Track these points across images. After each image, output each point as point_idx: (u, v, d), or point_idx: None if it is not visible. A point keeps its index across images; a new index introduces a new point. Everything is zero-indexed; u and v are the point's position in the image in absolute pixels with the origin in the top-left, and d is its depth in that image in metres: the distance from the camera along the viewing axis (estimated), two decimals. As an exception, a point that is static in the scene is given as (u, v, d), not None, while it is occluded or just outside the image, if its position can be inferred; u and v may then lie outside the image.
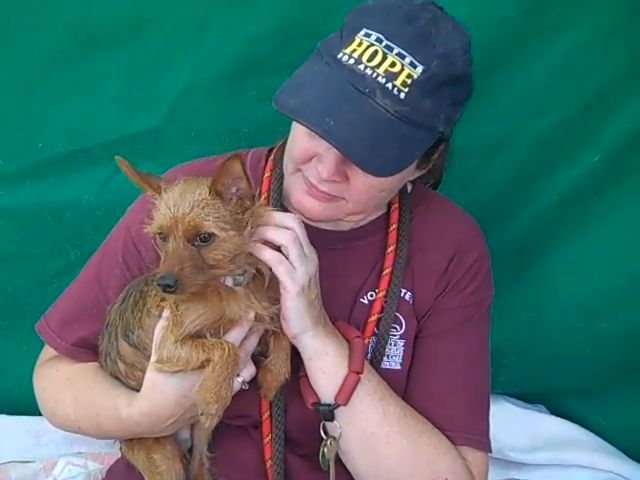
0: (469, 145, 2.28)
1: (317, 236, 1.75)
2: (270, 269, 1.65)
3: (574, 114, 2.37)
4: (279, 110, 1.62)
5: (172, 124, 2.36)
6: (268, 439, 1.85)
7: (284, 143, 1.92)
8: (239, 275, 1.65)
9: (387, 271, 1.89)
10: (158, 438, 1.81)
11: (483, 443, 1.88)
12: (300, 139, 1.72)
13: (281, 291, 1.66)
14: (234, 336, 1.65)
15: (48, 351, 2.03)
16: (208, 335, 1.63)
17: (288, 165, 1.78)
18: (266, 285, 1.68)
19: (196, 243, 1.55)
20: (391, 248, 1.90)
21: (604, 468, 2.55)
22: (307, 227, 1.70)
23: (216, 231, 1.55)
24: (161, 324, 1.67)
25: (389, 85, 1.60)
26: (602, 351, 2.59)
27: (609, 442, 2.64)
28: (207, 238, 1.55)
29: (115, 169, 2.24)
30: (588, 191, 2.46)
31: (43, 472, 2.45)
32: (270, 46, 2.29)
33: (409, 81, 1.61)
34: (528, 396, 2.74)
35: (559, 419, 2.67)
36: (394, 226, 1.92)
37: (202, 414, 1.60)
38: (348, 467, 1.83)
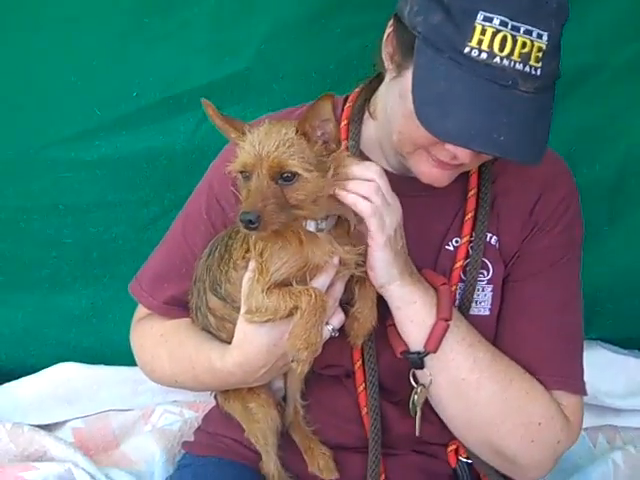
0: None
1: (399, 184, 1.72)
2: (354, 215, 1.64)
3: None
4: (440, 138, 1.58)
5: (260, 65, 2.38)
6: (362, 387, 1.86)
7: (362, 90, 1.91)
8: (321, 220, 1.65)
9: (469, 216, 1.86)
10: (252, 388, 1.85)
11: (577, 386, 1.85)
12: None
13: (368, 242, 1.65)
14: (320, 282, 1.65)
15: (142, 309, 2.09)
16: (294, 283, 1.64)
17: (405, 145, 1.72)
18: (351, 231, 1.67)
19: (279, 182, 1.55)
20: (472, 192, 1.87)
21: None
22: (389, 175, 1.67)
23: (300, 170, 1.54)
24: (247, 275, 1.69)
25: (527, 69, 1.55)
26: None
27: None
28: (290, 177, 1.55)
29: (205, 115, 2.36)
30: None
31: (142, 419, 2.55)
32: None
33: (540, 55, 1.55)
34: (623, 341, 2.67)
35: None
36: (474, 170, 1.87)
37: (293, 361, 1.61)
38: (439, 413, 1.83)
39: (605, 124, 2.42)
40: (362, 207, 1.61)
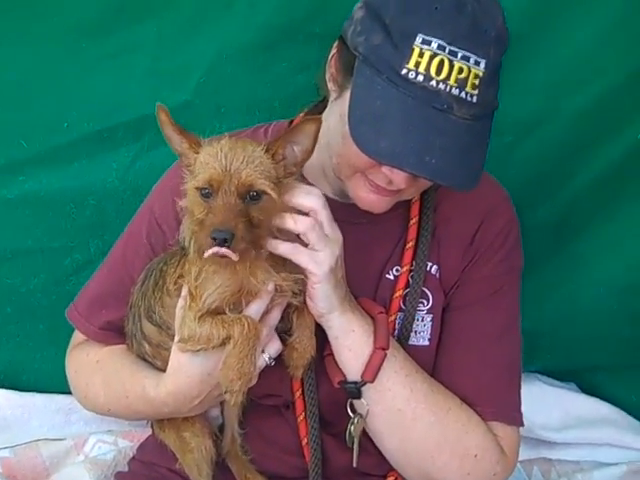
0: (504, 121, 2.14)
1: (341, 210, 1.71)
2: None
3: (618, 86, 2.27)
4: (372, 157, 1.58)
5: (201, 98, 2.29)
6: (302, 417, 1.84)
7: (306, 114, 1.90)
8: None
9: (410, 244, 1.85)
10: (187, 417, 1.81)
11: (514, 417, 1.85)
12: None
13: (307, 275, 1.63)
14: (254, 309, 1.62)
15: (78, 335, 2.04)
16: (227, 310, 1.61)
17: (343, 169, 1.72)
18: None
19: (246, 201, 1.52)
20: (413, 220, 1.87)
21: (636, 447, 2.51)
22: (330, 201, 1.66)
23: (269, 190, 1.52)
24: (180, 303, 1.66)
25: (462, 94, 1.55)
26: (637, 330, 2.53)
27: (640, 421, 2.58)
28: (257, 196, 1.52)
29: (141, 149, 2.31)
30: (627, 169, 2.38)
31: (74, 449, 2.46)
32: (303, 13, 2.21)
33: (477, 82, 1.56)
34: (559, 374, 2.70)
35: (590, 397, 2.63)
36: (416, 197, 1.87)
37: (226, 392, 1.58)
38: (377, 444, 1.82)
39: (555, 167, 2.43)
40: (283, 249, 1.59)
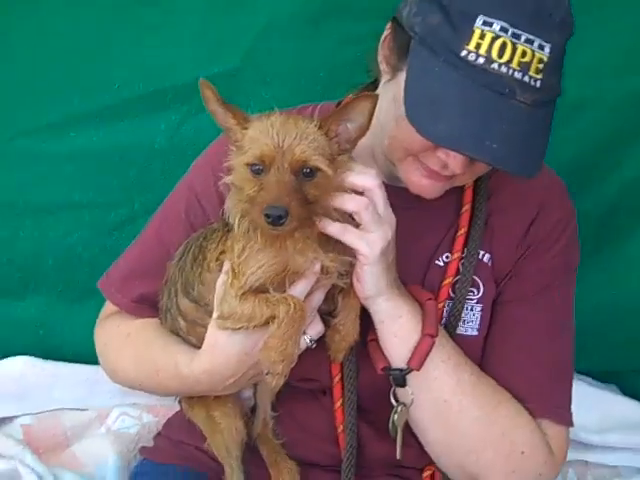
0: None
1: (393, 194, 1.63)
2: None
3: None
4: (430, 139, 1.51)
5: (249, 66, 2.30)
6: (339, 404, 1.79)
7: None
8: None
9: (462, 231, 1.79)
10: (218, 396, 1.75)
11: (564, 416, 1.77)
12: None
13: (357, 255, 1.56)
14: (299, 289, 1.56)
15: (109, 307, 2.00)
16: (271, 289, 1.54)
17: (396, 151, 1.66)
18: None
19: (299, 177, 1.47)
20: (466, 207, 1.80)
21: (678, 453, 2.41)
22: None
23: (323, 166, 1.47)
24: (222, 279, 1.59)
25: (526, 78, 1.48)
26: None
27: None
28: (311, 173, 1.47)
29: (189, 112, 2.33)
30: None
31: (97, 421, 2.43)
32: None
33: (541, 66, 1.49)
34: (600, 374, 2.63)
35: (632, 400, 2.56)
36: (469, 184, 1.80)
37: (267, 373, 1.52)
38: (418, 435, 1.75)
39: (599, 157, 2.38)
40: (332, 230, 1.54)
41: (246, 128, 1.51)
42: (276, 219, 1.41)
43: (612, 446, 2.46)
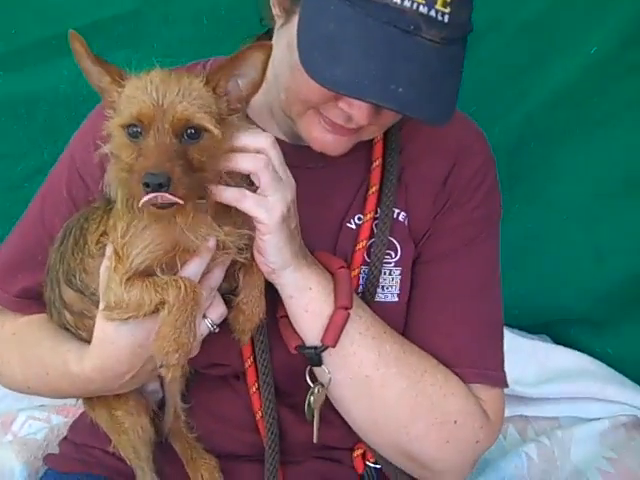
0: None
1: (292, 154, 1.49)
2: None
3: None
4: (326, 86, 1.36)
5: (149, 7, 2.25)
6: (255, 389, 1.65)
7: None
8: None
9: (373, 189, 1.65)
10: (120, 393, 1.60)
11: (497, 378, 1.67)
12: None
13: (255, 225, 1.41)
14: (192, 270, 1.40)
15: None
16: (159, 272, 1.38)
17: (294, 105, 1.52)
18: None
19: (183, 140, 1.30)
20: (377, 163, 1.67)
21: (618, 400, 2.35)
22: (280, 144, 1.45)
23: (210, 126, 1.31)
24: (105, 264, 1.42)
25: (432, 13, 1.35)
26: (606, 267, 2.42)
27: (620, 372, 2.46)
28: (195, 134, 1.31)
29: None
30: (584, 90, 2.27)
31: (1, 428, 2.26)
32: None
33: None
34: (530, 327, 2.58)
35: (567, 349, 2.50)
36: (379, 137, 1.67)
37: (161, 366, 1.37)
38: (343, 415, 1.63)
39: (504, 84, 2.31)
40: (227, 195, 1.39)
41: (123, 86, 1.34)
42: (156, 188, 1.24)
43: (550, 397, 2.39)
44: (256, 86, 1.37)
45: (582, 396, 2.37)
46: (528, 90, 2.31)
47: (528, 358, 2.43)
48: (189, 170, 1.29)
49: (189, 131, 1.31)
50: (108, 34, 2.23)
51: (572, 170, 2.39)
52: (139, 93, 1.30)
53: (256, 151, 1.39)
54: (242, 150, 1.39)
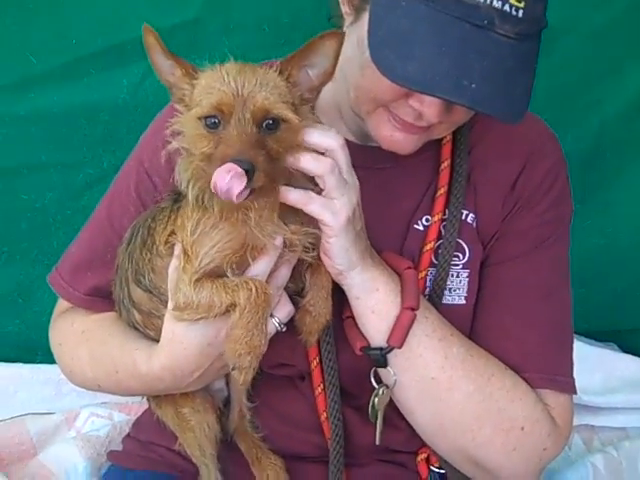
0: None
1: (360, 154, 1.48)
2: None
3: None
4: (398, 82, 1.35)
5: (210, 15, 2.26)
6: (320, 390, 1.64)
7: None
8: None
9: (442, 191, 1.63)
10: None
11: (566, 384, 1.63)
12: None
13: (321, 227, 1.40)
14: (260, 268, 1.40)
15: (63, 303, 1.84)
16: (229, 271, 1.37)
17: (364, 103, 1.51)
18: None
19: (262, 130, 1.30)
20: (445, 164, 1.64)
21: (687, 410, 2.29)
22: (348, 144, 1.43)
23: (289, 115, 1.31)
24: (174, 264, 1.43)
25: (506, 7, 1.33)
26: None
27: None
28: (274, 124, 1.31)
29: (151, 66, 2.25)
30: None
31: (65, 424, 2.30)
32: None
33: None
34: (598, 334, 2.52)
35: (634, 357, 2.45)
36: (448, 137, 1.64)
37: (234, 368, 1.36)
38: (407, 418, 1.61)
39: (579, 91, 2.27)
40: (293, 198, 1.38)
41: (196, 79, 1.34)
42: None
43: (617, 407, 2.35)
44: (328, 75, 1.37)
45: (651, 406, 2.32)
46: (603, 98, 2.27)
47: (595, 367, 2.38)
48: (270, 161, 1.29)
49: (268, 121, 1.30)
50: (168, 43, 2.17)
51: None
52: (217, 84, 1.31)
53: (326, 150, 1.38)
54: (313, 147, 1.38)
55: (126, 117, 2.29)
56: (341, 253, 1.42)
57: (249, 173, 1.23)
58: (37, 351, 2.35)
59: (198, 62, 2.18)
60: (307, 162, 1.37)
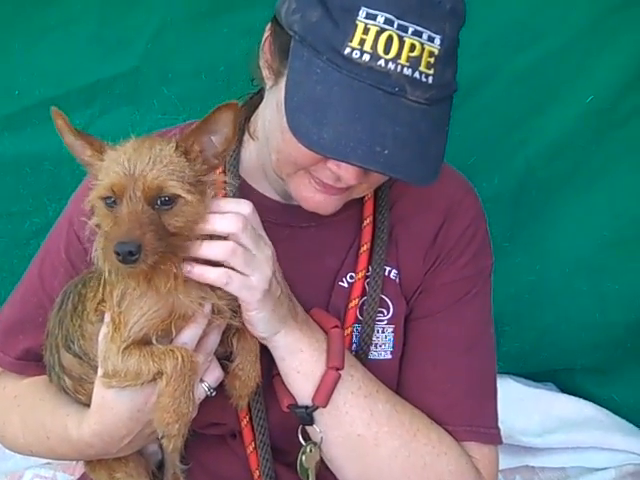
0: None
1: (285, 213, 1.53)
2: None
3: (562, 46, 2.19)
4: (313, 149, 1.39)
5: (148, 64, 2.30)
6: (252, 448, 1.65)
7: (242, 108, 1.68)
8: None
9: (365, 248, 1.67)
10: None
11: (490, 435, 1.66)
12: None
13: (240, 302, 1.43)
14: (188, 336, 1.42)
15: None
16: (154, 339, 1.40)
17: (285, 166, 1.53)
18: None
19: (156, 207, 1.33)
20: (367, 221, 1.68)
21: (624, 449, 2.35)
22: (273, 203, 1.49)
23: (182, 192, 1.33)
24: (103, 331, 1.45)
25: (416, 74, 1.38)
26: (610, 315, 2.41)
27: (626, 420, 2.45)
28: (169, 201, 1.33)
29: (93, 115, 2.35)
30: (583, 137, 2.29)
31: None
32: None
33: (432, 60, 1.38)
34: (535, 375, 2.57)
35: (572, 397, 2.50)
36: (370, 194, 1.68)
37: (163, 437, 1.39)
38: (336, 475, 1.62)
39: (503, 134, 2.33)
40: (213, 277, 1.38)
41: (103, 159, 1.37)
42: (127, 256, 1.27)
43: (556, 447, 2.39)
44: (229, 142, 1.39)
45: (588, 445, 2.37)
46: (527, 139, 2.33)
47: (533, 407, 2.42)
48: (164, 235, 1.32)
49: (162, 198, 1.33)
50: (109, 92, 2.29)
51: (572, 219, 2.39)
52: (113, 164, 1.34)
53: (226, 235, 1.39)
54: (212, 233, 1.39)
55: (69, 166, 2.18)
56: (262, 323, 1.46)
57: (134, 254, 1.26)
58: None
59: (138, 111, 2.26)
60: (207, 249, 1.37)
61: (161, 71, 2.30)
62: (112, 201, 1.33)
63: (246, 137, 1.71)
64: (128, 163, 1.32)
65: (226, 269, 1.38)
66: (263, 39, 1.56)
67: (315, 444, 1.56)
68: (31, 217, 2.40)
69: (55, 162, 2.34)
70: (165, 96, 2.30)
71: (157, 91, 2.30)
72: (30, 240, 2.39)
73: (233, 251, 1.38)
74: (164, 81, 2.30)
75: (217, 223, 1.38)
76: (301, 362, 1.52)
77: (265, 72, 1.56)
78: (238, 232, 1.38)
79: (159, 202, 1.33)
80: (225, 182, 1.50)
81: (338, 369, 1.51)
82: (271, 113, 1.52)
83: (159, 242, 1.30)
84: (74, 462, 2.23)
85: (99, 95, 2.27)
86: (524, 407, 2.36)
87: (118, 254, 1.27)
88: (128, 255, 1.26)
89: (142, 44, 2.26)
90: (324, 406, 1.51)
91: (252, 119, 1.71)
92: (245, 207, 1.41)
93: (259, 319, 1.44)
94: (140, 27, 2.25)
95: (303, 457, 1.57)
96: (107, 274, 1.40)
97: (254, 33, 1.77)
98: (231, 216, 1.39)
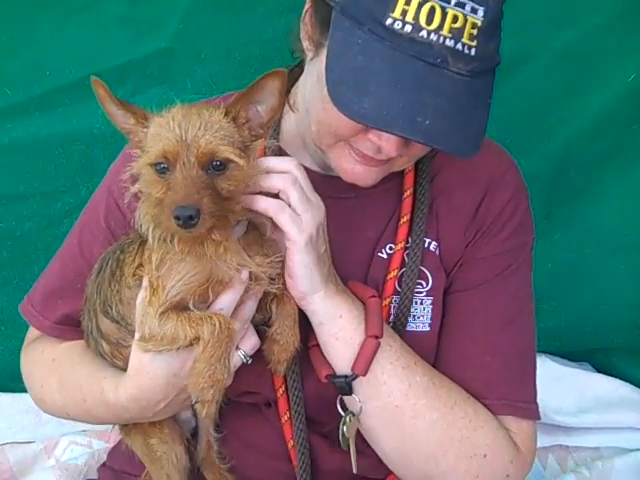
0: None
1: (325, 184, 1.51)
2: (270, 219, 1.43)
3: (603, 24, 2.16)
4: (354, 119, 1.38)
5: (181, 45, 2.26)
6: (286, 417, 1.65)
7: None
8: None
9: (404, 219, 1.66)
10: (154, 421, 1.61)
11: (528, 410, 1.64)
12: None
13: (286, 243, 1.43)
14: (225, 302, 1.42)
15: (34, 331, 1.86)
16: (192, 304, 1.40)
17: (325, 137, 1.53)
18: (265, 238, 1.46)
19: (209, 171, 1.34)
20: (408, 192, 1.67)
21: (659, 430, 2.30)
22: (313, 174, 1.48)
23: (234, 157, 1.35)
24: (141, 295, 1.45)
25: (459, 46, 1.36)
26: None
27: (662, 401, 2.40)
28: (221, 165, 1.35)
29: (125, 95, 2.29)
30: (624, 117, 2.24)
31: (44, 453, 2.31)
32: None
33: (475, 32, 1.36)
34: (571, 354, 2.53)
35: (607, 377, 2.45)
36: (410, 167, 1.67)
37: (197, 402, 1.39)
38: (372, 446, 1.62)
39: (542, 113, 2.30)
40: (265, 205, 1.41)
41: (147, 127, 1.38)
42: (187, 220, 1.28)
43: (591, 427, 2.36)
44: (275, 111, 1.40)
45: (623, 426, 2.34)
46: (566, 119, 2.30)
47: (568, 387, 2.39)
48: (218, 199, 1.33)
49: (214, 163, 1.34)
50: (141, 72, 2.27)
51: (612, 199, 2.36)
52: (163, 131, 1.34)
53: (284, 172, 1.42)
54: (270, 171, 1.42)
55: (101, 146, 2.30)
56: (305, 272, 1.45)
57: (194, 218, 1.27)
58: (18, 380, 2.35)
59: (170, 91, 2.22)
60: (269, 179, 1.40)
61: (194, 51, 2.28)
62: (163, 167, 1.34)
63: (286, 109, 1.70)
64: (179, 129, 1.33)
65: (278, 200, 1.40)
66: (304, 11, 1.54)
67: (354, 414, 1.55)
68: (64, 197, 2.40)
69: (87, 142, 2.34)
70: (198, 76, 2.29)
71: (190, 71, 2.28)
72: (63, 219, 2.40)
73: (293, 182, 1.41)
74: (197, 61, 2.29)
75: (270, 179, 1.40)
76: (340, 328, 1.51)
77: (306, 44, 1.56)
78: (294, 170, 1.42)
79: (212, 167, 1.34)
80: (265, 147, 1.51)
81: (377, 337, 1.50)
82: (312, 84, 1.52)
83: (215, 206, 1.31)
84: (109, 429, 2.28)
85: (131, 75, 2.25)
86: (559, 386, 2.34)
87: (178, 218, 1.27)
88: (188, 219, 1.27)
89: (174, 24, 2.24)
90: (364, 374, 1.50)
91: (292, 91, 1.70)
92: (293, 164, 1.43)
93: (303, 266, 1.44)
94: (172, 6, 2.23)
95: (344, 427, 1.56)
96: (151, 239, 1.40)
97: (289, 12, 1.78)
98: (287, 162, 1.43)
